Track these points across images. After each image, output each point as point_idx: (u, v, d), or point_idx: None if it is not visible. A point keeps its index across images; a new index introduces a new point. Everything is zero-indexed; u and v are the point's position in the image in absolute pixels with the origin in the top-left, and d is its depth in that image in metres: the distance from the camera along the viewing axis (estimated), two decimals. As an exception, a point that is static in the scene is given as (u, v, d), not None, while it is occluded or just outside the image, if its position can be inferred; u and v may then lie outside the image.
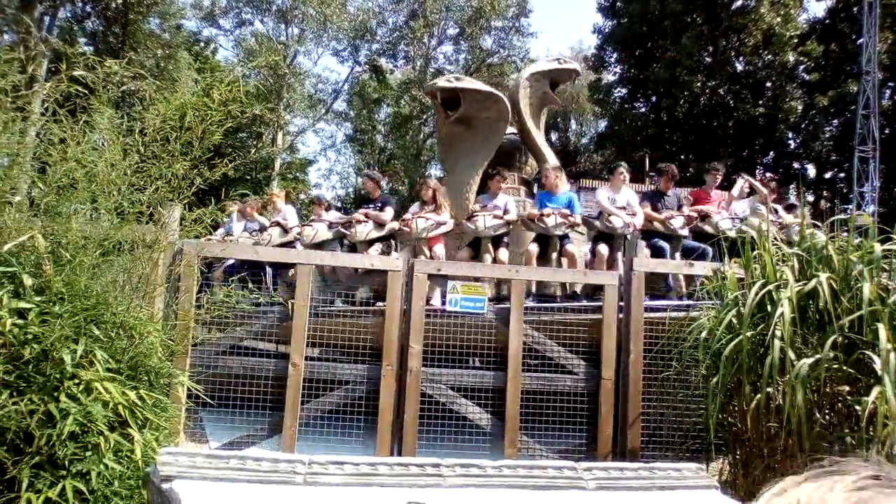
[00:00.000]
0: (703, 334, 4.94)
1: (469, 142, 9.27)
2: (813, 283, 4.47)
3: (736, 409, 4.85)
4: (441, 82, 9.56)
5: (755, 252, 5.04)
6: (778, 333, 4.28)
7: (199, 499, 3.01)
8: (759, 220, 7.76)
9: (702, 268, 6.89)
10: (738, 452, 4.84)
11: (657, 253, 7.43)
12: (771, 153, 27.50)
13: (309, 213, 9.98)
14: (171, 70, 23.21)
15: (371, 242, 7.55)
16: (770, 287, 4.58)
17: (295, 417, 5.68)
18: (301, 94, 32.05)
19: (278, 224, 7.96)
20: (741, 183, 8.54)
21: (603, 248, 7.35)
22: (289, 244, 7.67)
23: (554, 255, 7.49)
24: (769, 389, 4.38)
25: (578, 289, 7.46)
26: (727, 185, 9.78)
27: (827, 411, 4.47)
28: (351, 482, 3.31)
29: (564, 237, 7.55)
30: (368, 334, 6.04)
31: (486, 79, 34.71)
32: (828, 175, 27.01)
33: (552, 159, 9.53)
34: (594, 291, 7.01)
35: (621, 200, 7.80)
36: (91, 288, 3.81)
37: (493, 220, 7.44)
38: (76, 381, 3.43)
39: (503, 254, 7.44)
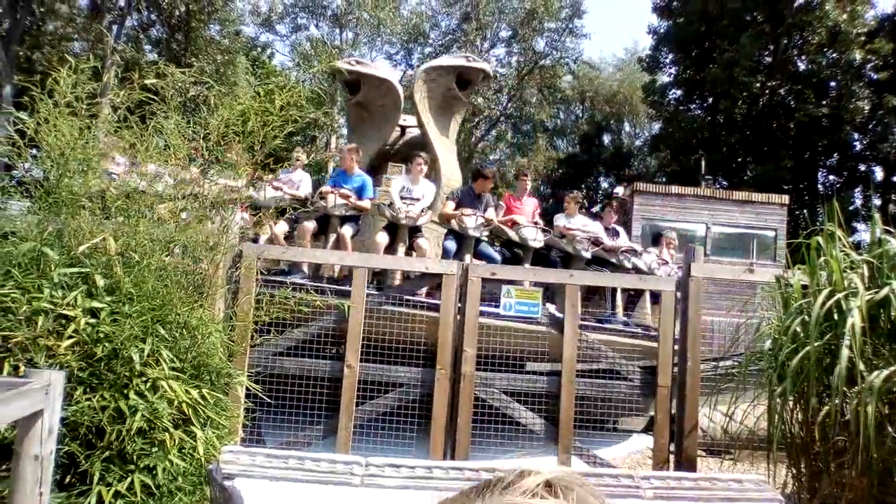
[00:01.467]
0: (768, 344, 4.79)
1: (367, 126, 9.30)
2: (885, 291, 4.29)
3: (801, 420, 4.69)
4: (341, 64, 9.67)
5: (822, 258, 4.86)
6: (847, 343, 4.11)
7: (259, 497, 3.07)
8: (572, 238, 7.85)
9: (763, 275, 6.70)
10: (804, 466, 4.67)
11: (444, 252, 7.49)
12: (835, 155, 26.50)
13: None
14: (230, 75, 23.83)
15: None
16: (838, 295, 4.41)
17: (350, 419, 5.74)
18: (354, 97, 32.42)
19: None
20: (573, 204, 8.58)
21: (381, 237, 7.33)
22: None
23: (333, 236, 7.41)
24: (837, 402, 4.22)
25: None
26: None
27: (899, 426, 4.27)
28: (407, 485, 3.33)
29: (346, 219, 7.46)
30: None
31: (538, 81, 34.63)
32: (897, 178, 25.88)
33: (441, 153, 9.43)
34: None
35: (417, 192, 7.71)
36: (157, 289, 3.94)
37: (273, 191, 7.24)
38: (144, 378, 3.55)
39: (279, 227, 7.24)
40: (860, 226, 21.93)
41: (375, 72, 9.40)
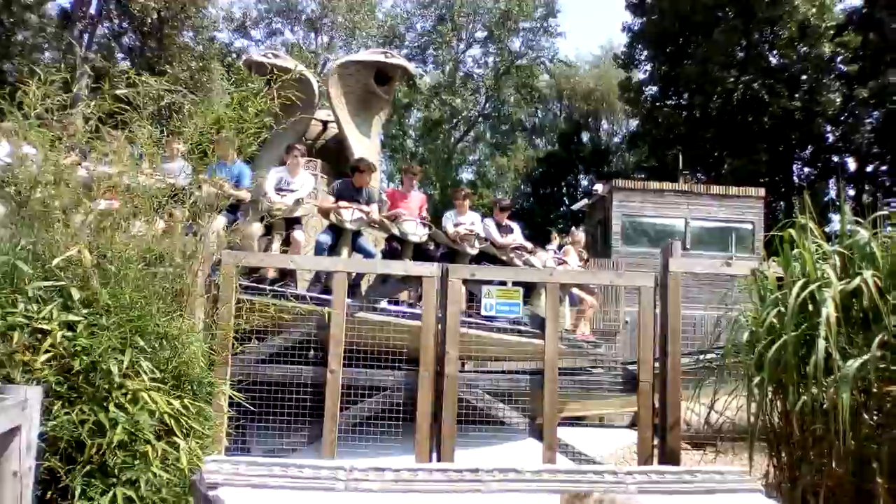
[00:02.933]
0: (745, 336, 4.86)
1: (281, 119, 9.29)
2: (857, 280, 4.36)
3: (780, 410, 4.76)
4: (257, 56, 9.57)
5: (795, 250, 4.93)
6: (822, 333, 4.18)
7: (243, 505, 3.06)
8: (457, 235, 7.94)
9: (740, 268, 6.78)
10: (784, 455, 4.74)
11: (317, 245, 7.46)
12: (809, 147, 26.91)
13: None
14: (206, 82, 23.65)
15: None
16: (812, 286, 4.48)
17: (334, 424, 5.73)
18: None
19: None
20: (464, 201, 8.59)
21: (256, 228, 7.21)
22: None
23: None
24: (814, 391, 4.29)
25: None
26: None
27: (875, 412, 4.35)
28: (391, 488, 3.33)
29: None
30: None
31: (515, 81, 34.77)
32: (869, 168, 26.33)
33: (360, 153, 9.36)
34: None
35: (296, 184, 7.71)
36: (135, 300, 3.90)
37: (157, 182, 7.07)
38: (123, 391, 3.52)
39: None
40: (835, 216, 22.31)
41: (291, 65, 9.25)
